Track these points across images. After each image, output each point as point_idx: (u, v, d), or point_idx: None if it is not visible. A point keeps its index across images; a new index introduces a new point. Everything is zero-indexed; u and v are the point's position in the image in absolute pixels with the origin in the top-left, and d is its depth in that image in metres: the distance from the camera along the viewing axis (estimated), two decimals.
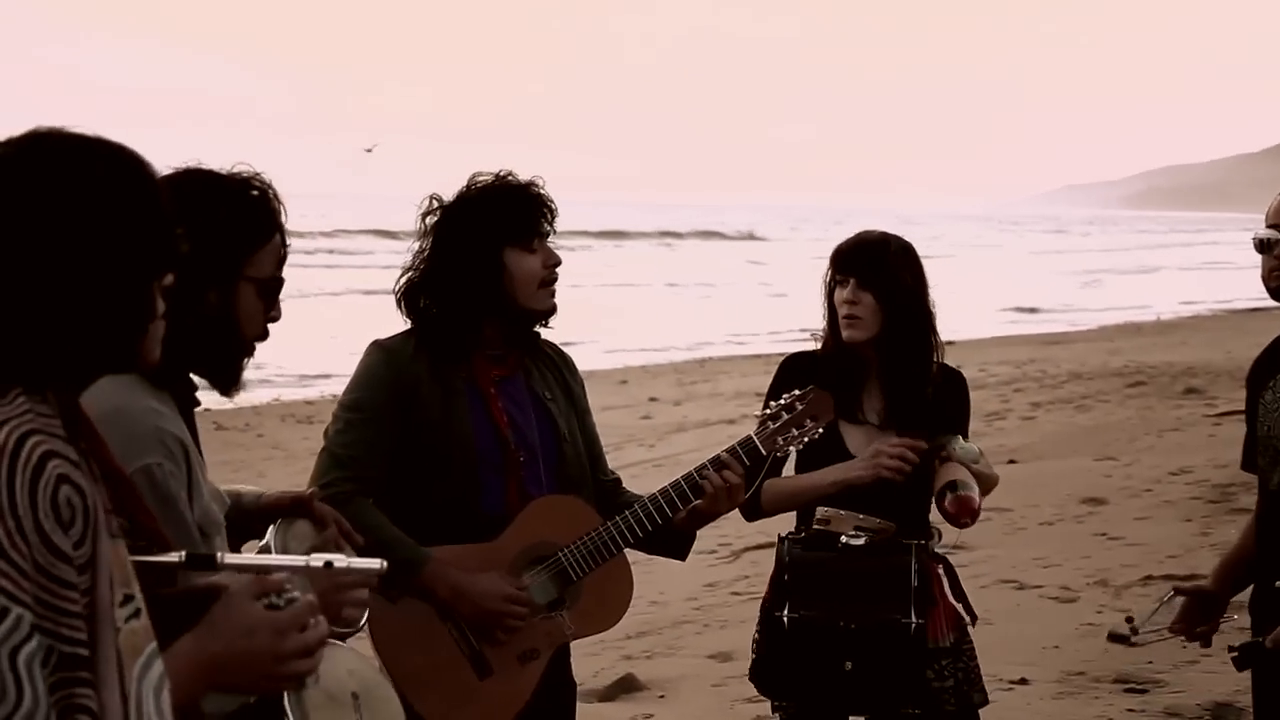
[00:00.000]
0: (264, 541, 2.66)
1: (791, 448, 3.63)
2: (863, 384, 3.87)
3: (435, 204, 3.49)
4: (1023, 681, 6.18)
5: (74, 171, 1.71)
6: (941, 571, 3.85)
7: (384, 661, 3.40)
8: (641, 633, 7.16)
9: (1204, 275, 45.86)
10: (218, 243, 2.46)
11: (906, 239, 3.93)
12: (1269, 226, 3.49)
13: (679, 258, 54.14)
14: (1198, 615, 3.71)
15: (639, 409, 15.38)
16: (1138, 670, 6.27)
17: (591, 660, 6.51)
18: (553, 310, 3.51)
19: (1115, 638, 3.64)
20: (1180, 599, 3.71)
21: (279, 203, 2.57)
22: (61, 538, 1.63)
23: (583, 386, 3.66)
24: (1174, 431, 12.30)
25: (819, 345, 3.93)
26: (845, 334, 3.82)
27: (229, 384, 2.55)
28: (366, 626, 3.36)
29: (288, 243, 2.61)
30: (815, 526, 3.76)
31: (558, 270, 3.50)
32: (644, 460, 12.18)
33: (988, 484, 3.80)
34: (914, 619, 3.65)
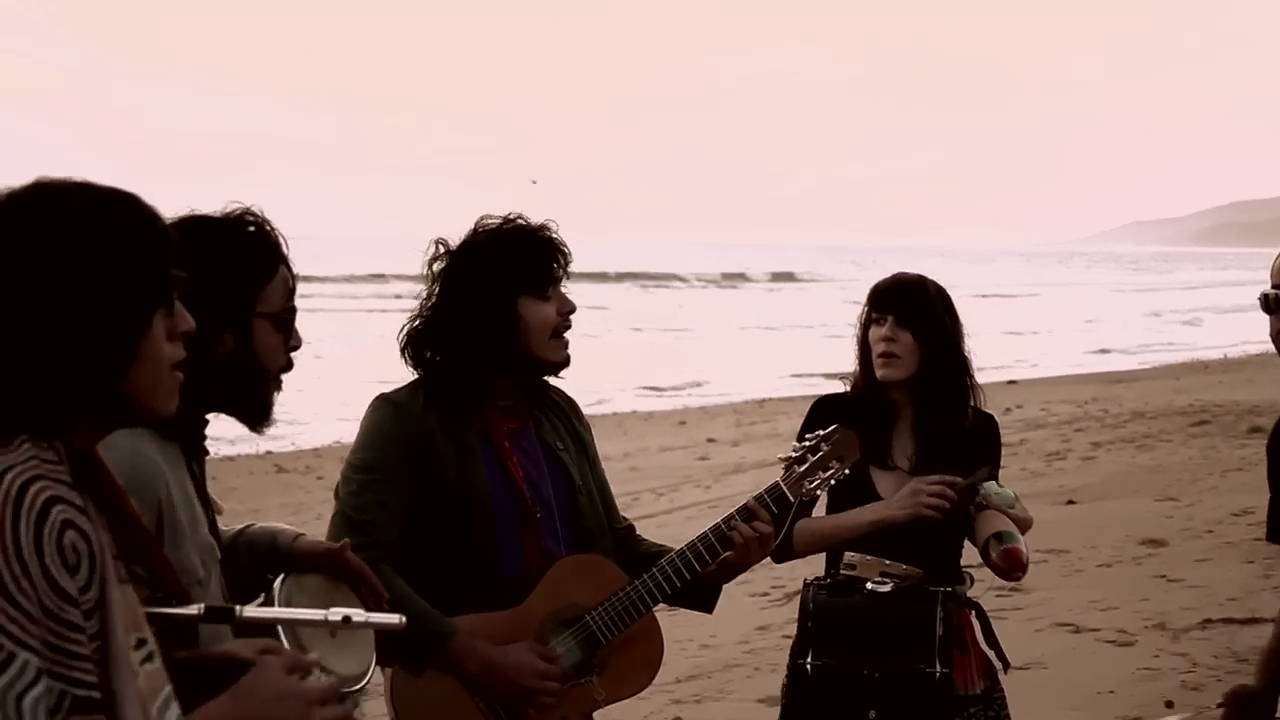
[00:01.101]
0: (265, 594, 2.63)
1: (819, 491, 3.56)
2: (893, 427, 3.84)
3: (442, 249, 3.37)
4: None
5: (51, 219, 1.73)
6: (974, 618, 3.80)
7: None
8: (691, 676, 7.12)
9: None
10: (225, 284, 2.46)
11: (941, 283, 3.90)
12: (1274, 286, 3.39)
13: (741, 298, 54.09)
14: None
15: (696, 450, 15.36)
16: (1197, 717, 6.15)
17: (641, 704, 6.46)
18: (566, 362, 3.39)
19: None
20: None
21: (278, 235, 2.56)
22: (68, 581, 1.64)
23: (590, 432, 3.56)
24: (1237, 471, 12.11)
25: (848, 387, 3.91)
26: (880, 373, 3.79)
27: (259, 419, 2.54)
28: (387, 700, 3.28)
29: (294, 272, 2.60)
30: (842, 572, 3.73)
31: (572, 318, 3.38)
32: (700, 501, 12.15)
33: (1024, 528, 3.76)
34: (938, 668, 3.60)
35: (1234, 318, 43.00)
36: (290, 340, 2.58)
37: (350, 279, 52.81)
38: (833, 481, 3.54)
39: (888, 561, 3.70)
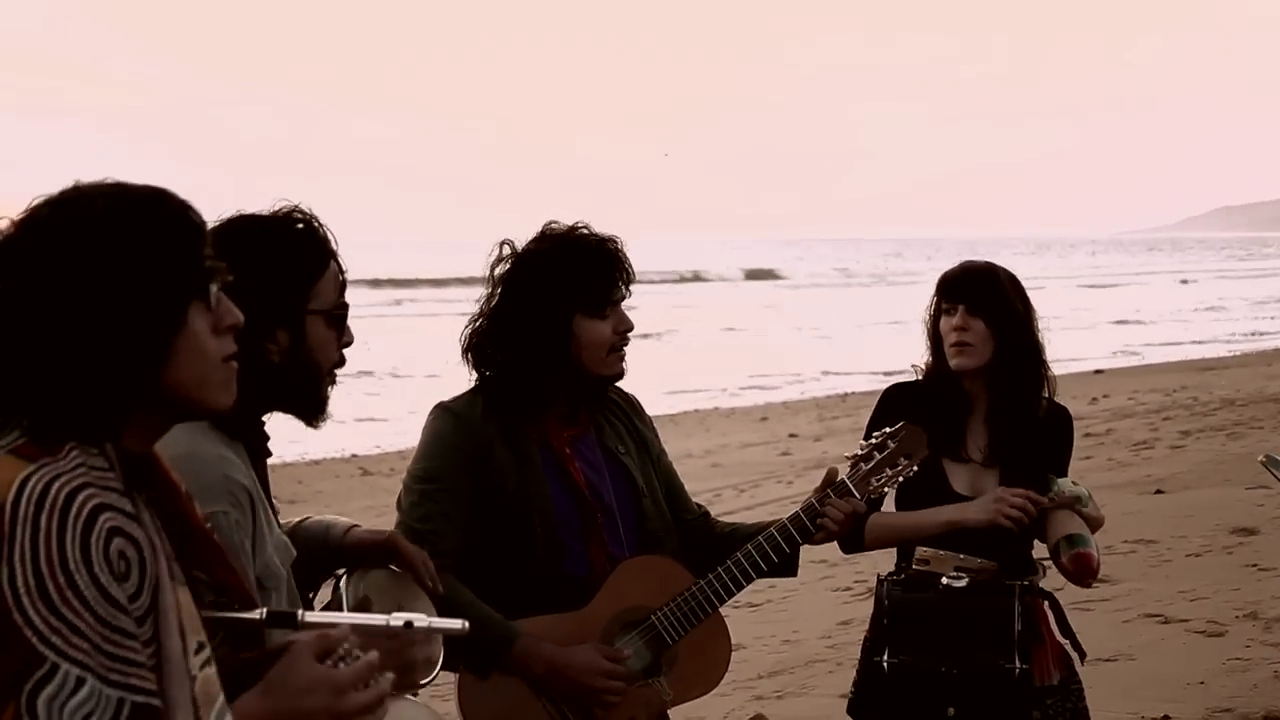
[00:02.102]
0: (331, 596, 2.65)
1: (886, 489, 3.51)
2: (967, 419, 3.78)
3: (507, 250, 3.34)
4: (1165, 718, 6.00)
5: (76, 221, 1.74)
6: (1048, 608, 3.75)
7: None
8: (774, 672, 7.09)
9: None
10: (277, 283, 2.48)
11: (1011, 270, 3.84)
12: None
13: (825, 294, 53.85)
14: None
15: (778, 445, 15.30)
16: None
17: (722, 701, 6.46)
18: (620, 375, 3.37)
19: None
20: None
21: (327, 231, 2.57)
22: (118, 589, 1.65)
23: (653, 428, 3.54)
24: None
25: (920, 377, 3.86)
26: (954, 362, 3.73)
27: (315, 414, 2.56)
28: (457, 705, 3.31)
29: (344, 269, 2.61)
30: (915, 567, 3.68)
31: (628, 336, 3.34)
32: (782, 497, 12.10)
33: (1094, 525, 3.70)
34: (1018, 664, 3.55)
35: None
36: (343, 336, 2.59)
37: (440, 283, 53.13)
38: (900, 479, 3.49)
39: (961, 556, 3.65)
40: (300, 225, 2.55)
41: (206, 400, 1.79)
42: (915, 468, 3.49)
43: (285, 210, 2.57)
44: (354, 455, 15.59)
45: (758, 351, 28.67)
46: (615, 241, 3.34)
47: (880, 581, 3.72)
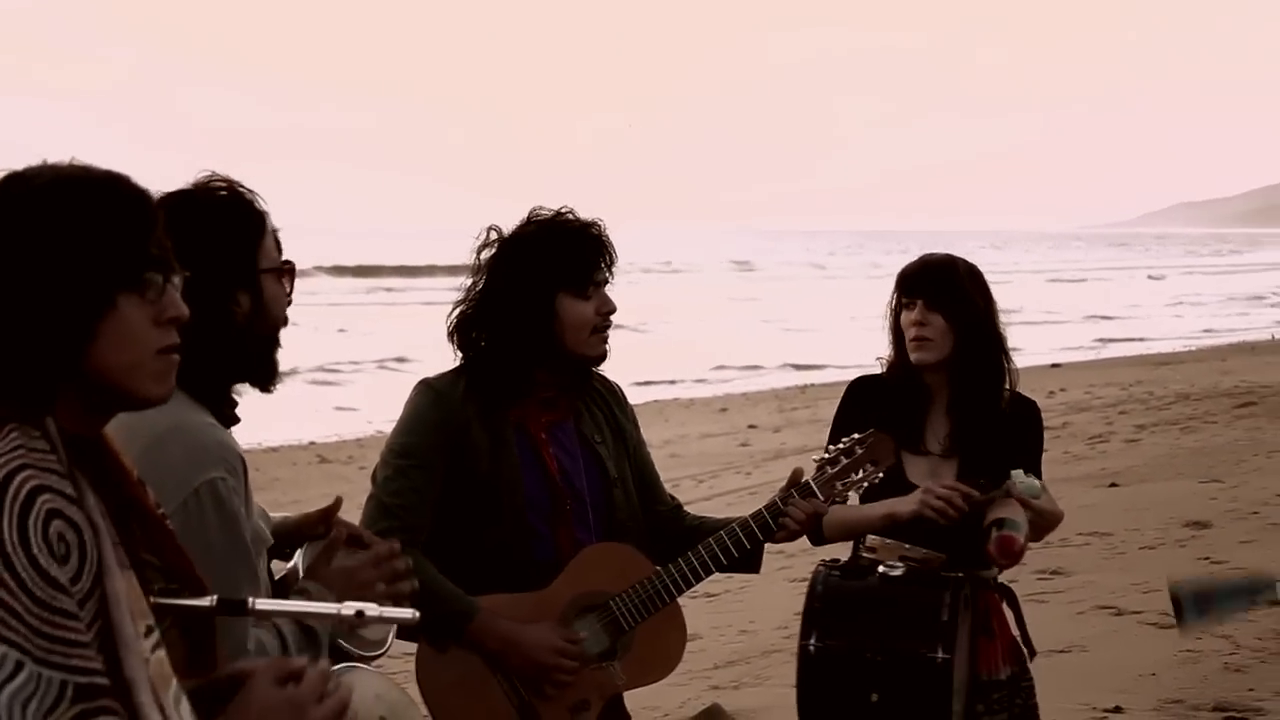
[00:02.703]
0: (291, 564, 2.68)
1: (851, 493, 3.56)
2: (927, 411, 3.80)
3: (493, 235, 3.41)
4: (1117, 710, 6.04)
5: (12, 200, 1.73)
6: (1004, 604, 3.76)
7: (431, 711, 3.35)
8: (730, 662, 7.11)
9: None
10: (228, 248, 2.51)
11: (972, 261, 3.85)
12: None
13: (773, 285, 53.96)
14: None
15: (737, 436, 15.34)
16: (1238, 698, 6.10)
17: (679, 691, 6.48)
18: (604, 357, 3.42)
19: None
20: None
21: (252, 193, 2.60)
22: (57, 570, 1.63)
23: (634, 419, 3.59)
24: None
25: (883, 370, 3.86)
26: (914, 356, 3.75)
27: (269, 379, 2.59)
28: (415, 677, 3.37)
29: (276, 227, 2.64)
30: (863, 555, 3.71)
31: (611, 318, 3.40)
32: (740, 488, 12.13)
33: (1049, 520, 3.68)
34: (940, 653, 3.52)
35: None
36: (289, 292, 2.64)
37: (410, 270, 52.99)
38: (865, 485, 3.53)
39: (907, 546, 3.67)
40: (224, 192, 2.58)
41: (136, 389, 1.77)
42: (881, 474, 3.53)
43: (205, 180, 2.59)
44: (312, 442, 15.55)
45: (718, 343, 28.72)
46: (599, 225, 3.40)
47: (818, 567, 3.74)
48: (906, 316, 3.77)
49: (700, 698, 6.51)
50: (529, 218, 3.40)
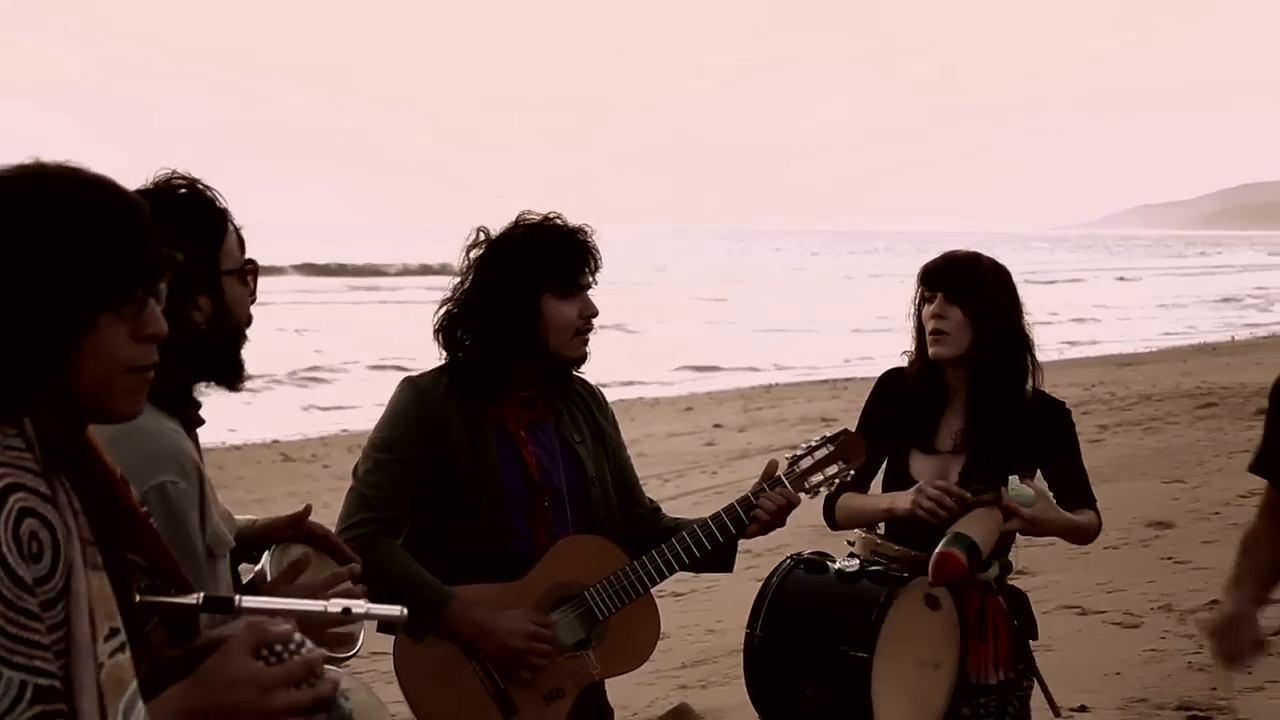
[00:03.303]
0: (258, 567, 2.67)
1: (822, 489, 3.60)
2: (944, 409, 3.76)
3: (481, 236, 3.47)
4: (1082, 709, 6.09)
5: (15, 199, 1.69)
6: (1007, 607, 3.71)
7: (409, 700, 3.41)
8: (698, 661, 7.12)
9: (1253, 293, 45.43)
10: (190, 251, 2.48)
11: (999, 260, 3.81)
12: None
13: (740, 287, 54.06)
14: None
15: (703, 435, 15.35)
16: (1202, 698, 6.15)
17: (646, 690, 6.49)
18: (584, 359, 3.49)
19: None
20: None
21: (213, 192, 2.57)
22: (25, 570, 1.61)
23: (614, 422, 3.65)
24: (1244, 453, 12.00)
25: (907, 366, 3.83)
26: (931, 350, 3.72)
27: (236, 378, 2.58)
28: (393, 666, 3.41)
29: (239, 225, 2.62)
30: (850, 549, 3.74)
31: (594, 321, 3.46)
32: (706, 487, 12.15)
33: (1052, 528, 3.64)
34: (860, 652, 3.51)
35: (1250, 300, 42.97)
36: (253, 292, 2.63)
37: (366, 271, 52.80)
38: (837, 481, 3.59)
39: (879, 541, 3.69)
40: (183, 190, 2.55)
41: (105, 405, 1.73)
42: (852, 472, 3.59)
43: (165, 179, 2.56)
44: (275, 441, 15.48)
45: (683, 343, 28.74)
46: (585, 231, 3.45)
47: (784, 560, 3.75)
48: (927, 310, 3.74)
49: (668, 697, 6.52)
50: (517, 221, 3.46)
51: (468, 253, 3.47)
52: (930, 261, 3.80)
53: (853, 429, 3.68)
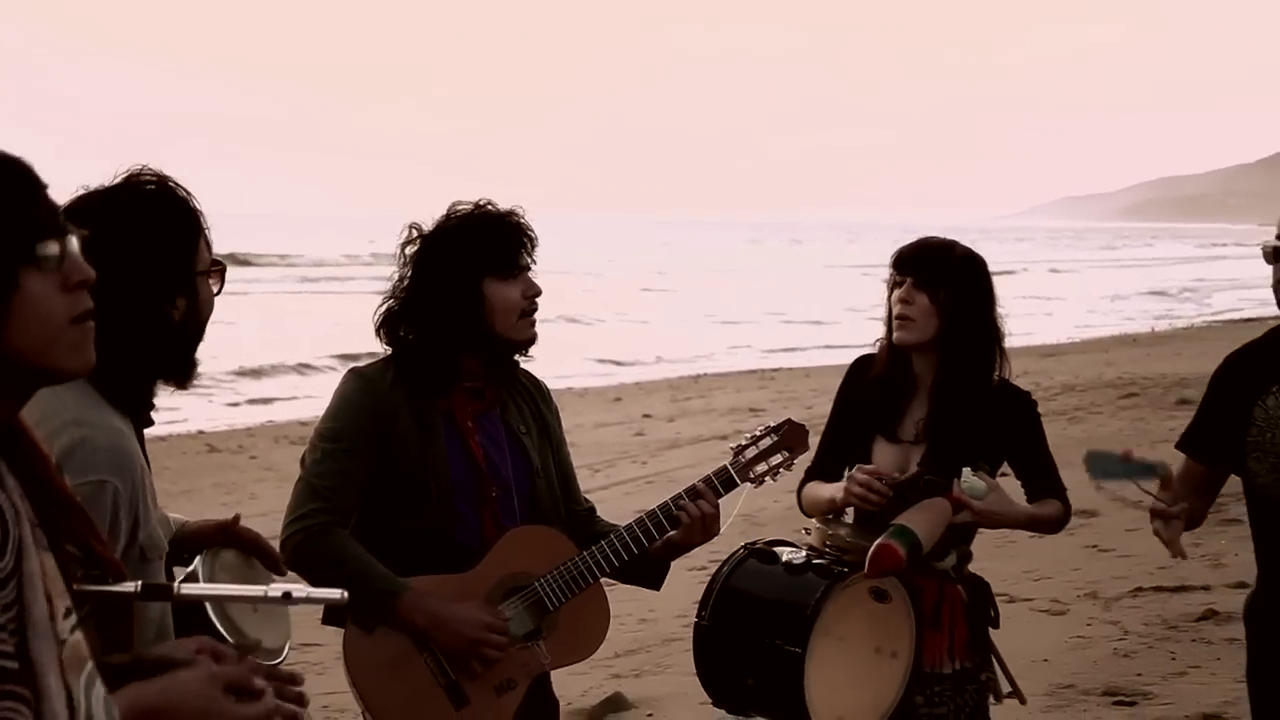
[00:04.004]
0: (190, 569, 2.65)
1: (767, 478, 3.64)
2: (911, 397, 3.73)
3: (415, 233, 3.46)
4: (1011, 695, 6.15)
5: None
6: (966, 596, 3.71)
7: (359, 692, 3.39)
8: (630, 651, 7.14)
9: (1201, 286, 46.05)
10: (166, 252, 2.47)
11: (974, 250, 3.75)
12: (1279, 238, 3.40)
13: (669, 276, 54.13)
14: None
15: (632, 425, 15.37)
16: (1128, 683, 6.25)
17: (579, 679, 6.49)
18: (532, 340, 3.49)
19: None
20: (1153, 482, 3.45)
21: (184, 190, 2.55)
22: None
23: (557, 416, 3.66)
24: (1166, 442, 12.17)
25: (876, 353, 3.81)
26: (896, 336, 3.70)
27: (188, 376, 2.56)
28: (342, 657, 3.39)
29: (207, 224, 2.60)
30: (806, 538, 3.77)
31: (537, 301, 3.47)
32: (636, 477, 12.17)
33: (1004, 520, 3.63)
34: (793, 647, 3.50)
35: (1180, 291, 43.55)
36: (219, 289, 2.62)
37: (284, 261, 52.33)
38: (781, 470, 3.64)
39: (831, 531, 3.70)
40: (151, 186, 2.52)
41: (54, 364, 1.71)
42: (795, 461, 3.64)
43: (134, 175, 2.53)
44: (200, 431, 15.33)
45: (610, 333, 28.76)
46: (517, 213, 3.46)
47: (739, 549, 3.76)
48: (894, 296, 3.71)
49: (601, 686, 6.53)
50: (449, 212, 3.46)
51: (403, 249, 3.46)
52: (903, 246, 3.75)
53: (784, 419, 3.71)
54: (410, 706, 3.37)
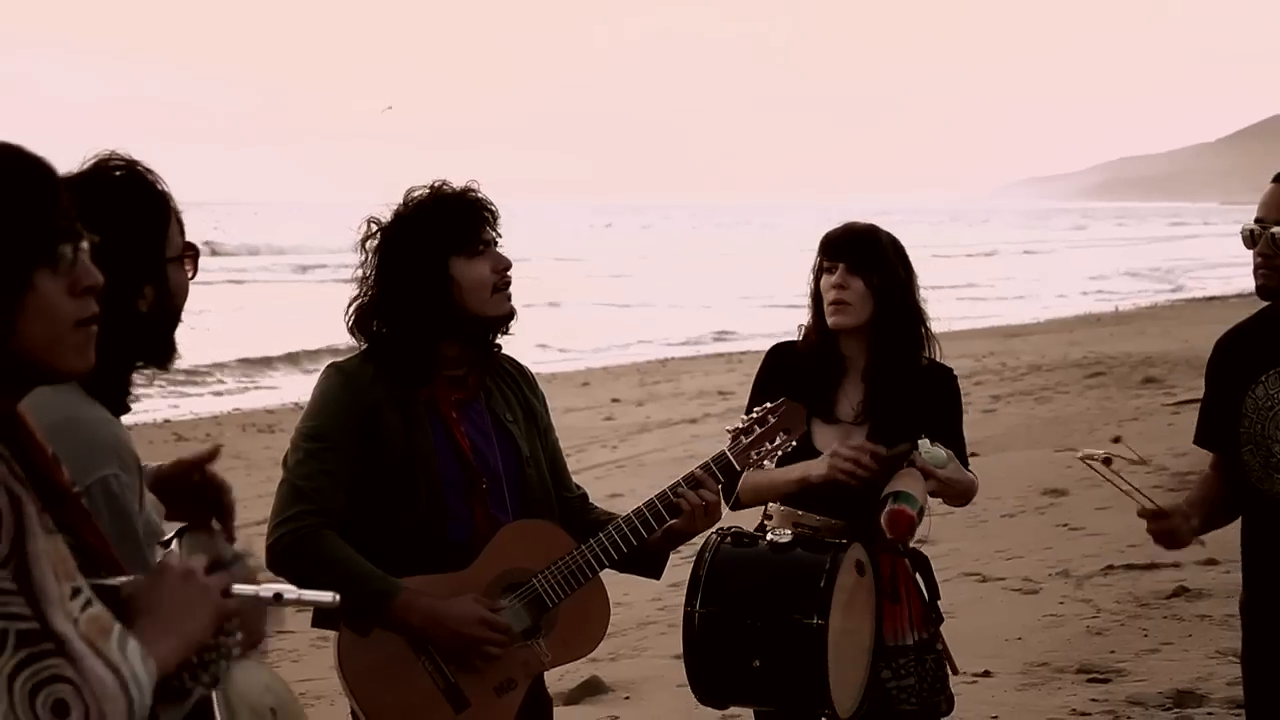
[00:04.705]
0: (168, 551, 2.62)
1: (766, 462, 3.57)
2: (841, 380, 3.81)
3: (373, 227, 3.39)
4: (986, 674, 6.19)
5: None
6: (912, 568, 3.79)
7: (356, 698, 3.30)
8: (607, 635, 7.12)
9: (1163, 265, 46.32)
10: (133, 241, 2.43)
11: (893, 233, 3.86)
12: (1257, 220, 3.41)
13: (646, 260, 54.11)
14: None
15: (602, 410, 15.37)
16: (1101, 660, 6.29)
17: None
18: (510, 314, 3.41)
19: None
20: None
21: (154, 174, 2.52)
22: None
23: (543, 401, 3.58)
24: (1133, 421, 12.35)
25: (800, 338, 3.88)
26: (831, 320, 3.76)
27: (168, 358, 2.53)
28: (336, 662, 3.32)
29: (179, 209, 2.56)
30: (763, 523, 3.76)
31: (509, 274, 3.39)
32: (607, 461, 12.17)
33: (958, 489, 3.71)
34: (815, 619, 3.54)
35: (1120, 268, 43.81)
36: (193, 275, 2.58)
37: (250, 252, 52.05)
38: (779, 453, 3.56)
39: (800, 513, 3.71)
40: (120, 172, 2.49)
41: (59, 364, 1.75)
42: (794, 442, 3.57)
43: (103, 160, 2.50)
44: (167, 420, 15.25)
45: (574, 318, 28.74)
46: (474, 189, 3.39)
47: (711, 535, 3.73)
48: (827, 280, 3.78)
49: (578, 670, 6.52)
50: (405, 199, 3.39)
51: (363, 243, 3.39)
52: (831, 232, 3.85)
53: (780, 399, 3.62)
54: (410, 712, 3.28)
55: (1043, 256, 55.92)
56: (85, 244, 1.76)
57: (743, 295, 33.43)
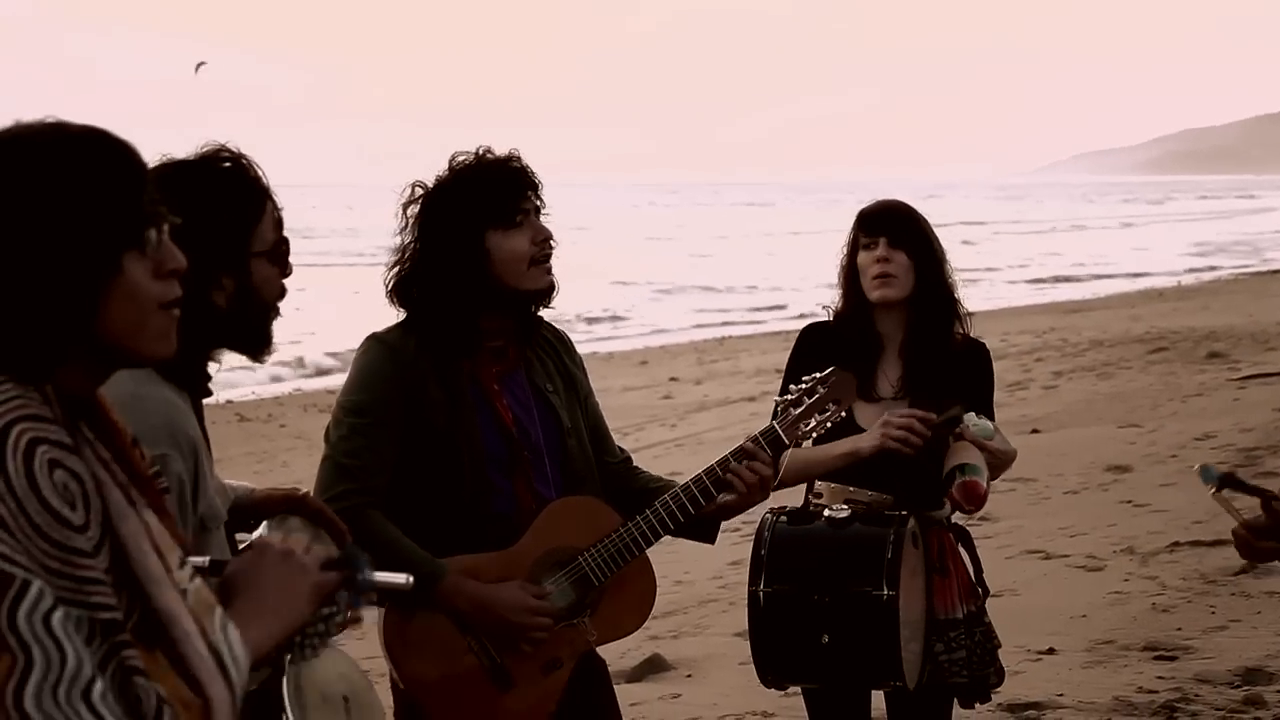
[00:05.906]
0: (255, 534, 2.65)
1: (815, 434, 3.50)
2: (879, 357, 3.82)
3: (417, 191, 3.33)
4: (1050, 651, 6.15)
5: (11, 162, 1.70)
6: (959, 543, 3.81)
7: (401, 676, 3.29)
8: (667, 613, 7.15)
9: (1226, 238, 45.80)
10: (219, 230, 2.46)
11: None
12: None
13: (688, 236, 54.01)
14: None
15: (660, 389, 15.38)
16: (1167, 637, 6.24)
17: (618, 642, 6.49)
18: (550, 288, 3.33)
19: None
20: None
21: (257, 168, 2.55)
22: (70, 512, 1.63)
23: (583, 367, 3.52)
24: (1197, 397, 12.23)
25: (831, 317, 3.89)
26: (875, 294, 3.76)
27: (261, 349, 2.56)
28: (381, 640, 3.30)
29: (280, 206, 2.59)
30: (811, 500, 3.75)
31: (551, 245, 3.31)
32: (666, 440, 12.17)
33: (1003, 460, 3.72)
34: (885, 590, 3.55)
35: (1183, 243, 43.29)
36: (285, 271, 2.60)
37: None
38: (829, 424, 3.49)
39: (851, 489, 3.71)
40: (228, 164, 2.53)
41: (142, 349, 1.76)
42: (844, 413, 3.51)
43: (212, 151, 2.54)
44: (230, 401, 15.38)
45: (635, 295, 28.73)
46: (516, 157, 3.32)
47: (765, 514, 3.74)
48: (866, 256, 3.78)
49: (640, 648, 6.54)
50: (449, 165, 3.32)
51: (404, 209, 3.33)
52: (868, 207, 3.88)
53: (829, 368, 3.55)
54: (456, 691, 3.26)
55: (1128, 230, 55.26)
56: (167, 226, 1.78)
57: (800, 274, 33.32)
